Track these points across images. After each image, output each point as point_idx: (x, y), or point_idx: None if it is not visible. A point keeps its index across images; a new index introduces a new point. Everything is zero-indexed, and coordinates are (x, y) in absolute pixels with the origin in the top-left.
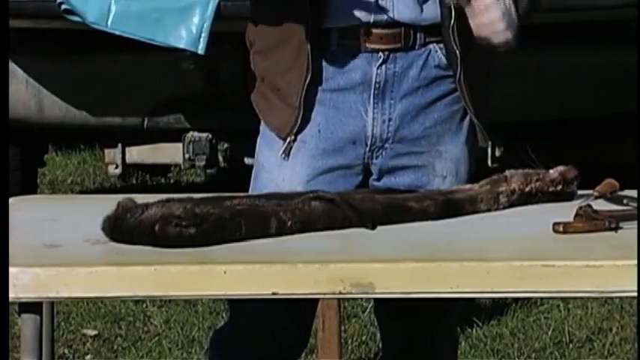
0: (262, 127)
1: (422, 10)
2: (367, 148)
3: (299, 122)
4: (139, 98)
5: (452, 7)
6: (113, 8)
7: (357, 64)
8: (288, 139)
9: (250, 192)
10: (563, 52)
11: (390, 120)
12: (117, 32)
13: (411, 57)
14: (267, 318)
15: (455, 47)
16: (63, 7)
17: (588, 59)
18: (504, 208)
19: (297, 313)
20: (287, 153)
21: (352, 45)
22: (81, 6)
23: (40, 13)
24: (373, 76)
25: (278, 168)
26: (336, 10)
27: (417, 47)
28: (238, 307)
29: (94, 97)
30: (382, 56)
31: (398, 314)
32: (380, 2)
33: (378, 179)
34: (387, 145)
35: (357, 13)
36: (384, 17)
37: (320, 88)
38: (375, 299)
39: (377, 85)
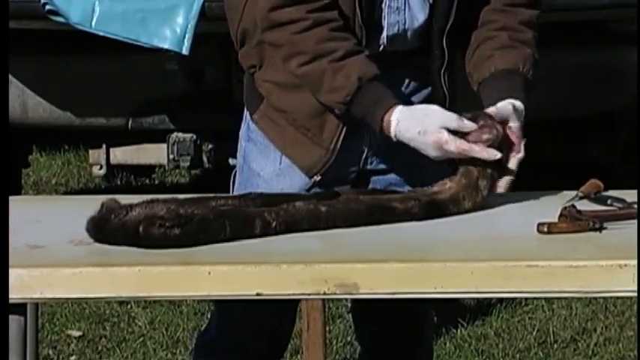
0: (249, 131)
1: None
2: (363, 157)
3: (330, 163)
4: (123, 99)
5: (444, 49)
6: (97, 9)
7: None
8: (314, 179)
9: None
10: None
11: None
12: (101, 33)
13: (406, 72)
14: (251, 319)
15: (445, 89)
16: (47, 7)
17: (567, 60)
18: (488, 193)
19: (279, 312)
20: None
21: None
22: (65, 6)
23: (23, 14)
24: None
25: (277, 178)
26: None
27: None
28: (222, 309)
29: (78, 98)
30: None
31: (372, 318)
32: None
33: (370, 180)
34: (379, 151)
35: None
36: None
37: None
38: (352, 300)
39: None
